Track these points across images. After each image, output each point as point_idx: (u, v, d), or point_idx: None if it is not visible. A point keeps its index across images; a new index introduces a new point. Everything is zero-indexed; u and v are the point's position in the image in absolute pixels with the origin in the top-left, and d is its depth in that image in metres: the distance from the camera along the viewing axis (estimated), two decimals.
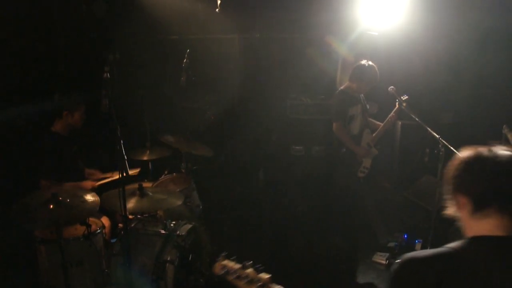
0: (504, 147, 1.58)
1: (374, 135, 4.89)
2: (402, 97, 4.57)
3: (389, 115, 4.77)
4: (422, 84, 5.31)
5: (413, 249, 4.71)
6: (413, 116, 4.45)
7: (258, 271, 1.86)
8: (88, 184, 4.10)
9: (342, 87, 4.86)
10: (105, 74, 2.99)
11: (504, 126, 4.58)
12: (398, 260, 1.53)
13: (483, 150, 1.58)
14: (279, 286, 1.83)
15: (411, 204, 5.27)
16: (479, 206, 1.53)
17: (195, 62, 4.74)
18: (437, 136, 4.08)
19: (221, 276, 1.94)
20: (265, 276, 1.83)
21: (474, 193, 1.54)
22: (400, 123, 5.68)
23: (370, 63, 4.69)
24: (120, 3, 5.51)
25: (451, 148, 3.90)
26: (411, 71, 5.21)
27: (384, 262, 4.69)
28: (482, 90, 5.11)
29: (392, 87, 4.59)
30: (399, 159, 6.02)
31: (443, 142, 3.96)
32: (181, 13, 5.59)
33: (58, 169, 3.95)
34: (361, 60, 4.76)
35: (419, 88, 5.27)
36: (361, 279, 4.51)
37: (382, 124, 4.87)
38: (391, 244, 4.98)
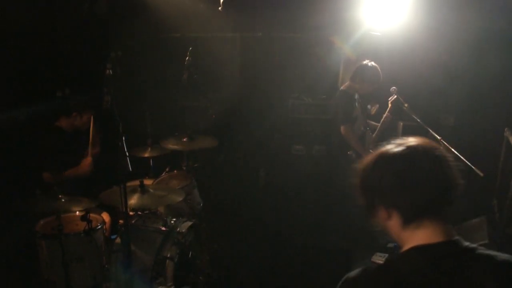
0: (415, 139, 1.46)
1: (373, 135, 4.89)
2: (392, 98, 4.56)
3: (384, 115, 4.76)
4: (424, 85, 5.31)
5: None
6: (415, 117, 4.46)
7: None
8: (86, 162, 4.12)
9: (343, 87, 4.84)
10: (107, 71, 3.01)
11: (506, 129, 4.59)
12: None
13: (392, 148, 1.45)
14: None
15: None
16: (408, 219, 1.42)
17: (197, 60, 4.75)
18: (438, 137, 4.09)
19: None
20: None
21: (400, 206, 1.42)
22: (401, 124, 5.68)
23: (373, 63, 4.69)
24: (122, 1, 5.52)
25: (452, 149, 3.91)
26: (412, 71, 5.20)
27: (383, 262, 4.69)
28: (484, 92, 5.10)
29: (394, 87, 4.59)
30: None
31: (444, 144, 3.97)
32: (183, 11, 5.59)
33: (60, 163, 3.97)
34: (364, 60, 4.76)
35: (421, 89, 5.27)
36: None
37: (378, 125, 4.86)
38: (391, 245, 4.97)
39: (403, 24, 5.18)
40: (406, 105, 4.50)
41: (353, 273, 1.46)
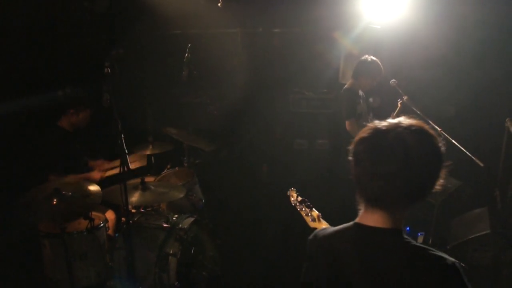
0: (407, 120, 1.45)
1: None
2: (403, 95, 4.54)
3: (392, 115, 4.70)
4: (424, 77, 5.29)
5: None
6: (414, 109, 4.45)
7: (310, 208, 2.46)
8: (96, 174, 4.14)
9: (346, 85, 4.80)
10: (106, 69, 3.02)
11: (507, 119, 4.58)
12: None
13: (377, 129, 1.45)
14: (326, 223, 2.32)
15: None
16: (367, 203, 1.49)
17: (198, 57, 4.75)
18: (439, 128, 4.08)
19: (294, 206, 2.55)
20: (316, 213, 2.41)
21: (360, 190, 1.49)
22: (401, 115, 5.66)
23: (373, 57, 4.66)
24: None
25: (452, 140, 3.90)
26: (413, 64, 5.19)
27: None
28: (485, 83, 5.08)
29: (393, 80, 4.58)
30: None
31: (444, 135, 3.96)
32: (183, 7, 5.59)
33: (64, 163, 4.00)
34: (363, 56, 4.73)
35: (421, 81, 5.26)
36: None
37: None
38: None
39: (403, 17, 5.17)
40: (405, 97, 4.49)
41: (322, 229, 1.66)
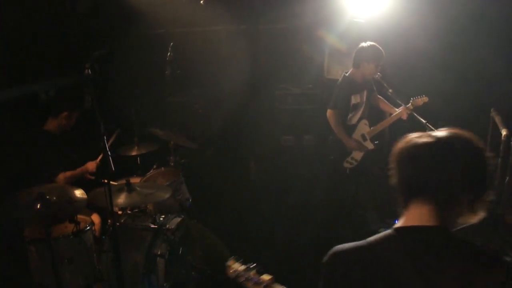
0: (445, 129, 1.52)
1: (372, 128, 4.75)
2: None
3: (394, 114, 4.65)
4: (409, 70, 5.32)
5: None
6: (399, 102, 4.48)
7: (260, 272, 2.00)
8: (91, 164, 4.21)
9: (347, 73, 4.65)
10: (86, 71, 2.99)
11: (492, 109, 4.62)
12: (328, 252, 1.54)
13: (418, 136, 1.53)
14: (282, 286, 1.95)
15: None
16: (405, 197, 1.51)
17: (180, 56, 4.73)
18: (424, 121, 4.11)
19: (234, 280, 2.07)
20: (267, 277, 1.97)
21: (400, 183, 1.51)
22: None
23: (370, 42, 4.55)
24: None
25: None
26: (397, 58, 5.21)
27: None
28: (470, 75, 5.12)
29: (378, 73, 4.57)
30: (389, 143, 6.03)
31: (430, 127, 3.99)
32: (165, 6, 5.55)
33: (55, 167, 3.99)
34: (348, 49, 4.67)
35: (406, 74, 5.28)
36: None
37: (387, 119, 4.76)
38: (383, 230, 5.00)
39: (386, 10, 5.19)
40: (390, 90, 4.50)
41: (341, 246, 1.54)
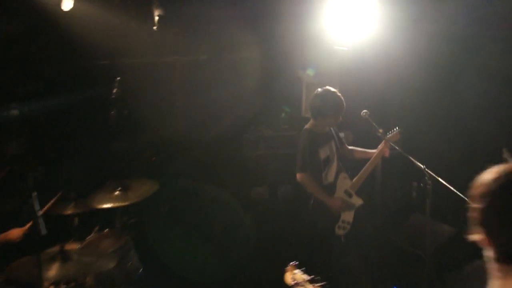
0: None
1: (355, 180, 4.70)
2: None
3: (374, 156, 4.68)
4: (398, 104, 5.45)
5: None
6: (393, 145, 4.54)
7: None
8: (15, 232, 3.96)
9: (306, 126, 4.69)
10: (12, 111, 2.95)
11: (504, 149, 4.73)
12: None
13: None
14: None
15: (399, 250, 5.29)
16: (504, 258, 1.45)
17: (129, 93, 4.70)
18: (422, 166, 4.14)
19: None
20: None
21: (499, 242, 1.45)
22: None
23: (330, 89, 4.56)
24: (36, 21, 5.40)
25: (439, 179, 3.96)
26: (385, 90, 5.35)
27: None
28: (462, 109, 5.30)
29: (365, 111, 4.63)
30: (381, 196, 6.07)
31: (429, 173, 4.02)
32: (111, 32, 5.52)
33: None
34: (319, 89, 4.65)
35: (394, 108, 5.40)
36: None
37: (365, 167, 4.69)
38: None
39: (372, 38, 5.35)
40: (380, 130, 4.56)
41: None
